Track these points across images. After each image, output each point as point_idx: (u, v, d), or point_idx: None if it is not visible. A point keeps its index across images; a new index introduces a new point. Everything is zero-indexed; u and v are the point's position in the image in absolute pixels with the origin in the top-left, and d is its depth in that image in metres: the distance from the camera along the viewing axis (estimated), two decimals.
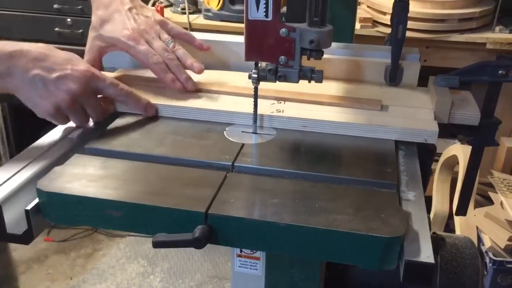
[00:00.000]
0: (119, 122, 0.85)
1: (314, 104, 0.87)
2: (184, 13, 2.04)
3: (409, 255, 0.57)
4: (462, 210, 1.00)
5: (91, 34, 0.93)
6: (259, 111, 0.82)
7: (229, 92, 0.91)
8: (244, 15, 0.72)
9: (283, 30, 0.72)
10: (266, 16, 0.72)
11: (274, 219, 0.61)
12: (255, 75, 0.76)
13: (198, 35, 1.01)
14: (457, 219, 1.93)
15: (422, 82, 0.97)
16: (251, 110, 0.81)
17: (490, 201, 1.85)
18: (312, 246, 0.61)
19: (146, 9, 0.96)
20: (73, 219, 0.66)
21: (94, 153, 0.75)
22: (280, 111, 0.84)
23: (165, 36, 0.93)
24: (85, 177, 0.68)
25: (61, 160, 0.75)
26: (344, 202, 0.65)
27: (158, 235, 0.61)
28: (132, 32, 0.89)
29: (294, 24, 0.73)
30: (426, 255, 0.57)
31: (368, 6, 1.99)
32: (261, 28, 0.73)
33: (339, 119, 0.82)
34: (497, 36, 1.88)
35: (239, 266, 0.86)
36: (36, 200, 0.66)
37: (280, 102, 0.87)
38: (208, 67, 1.00)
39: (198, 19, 2.06)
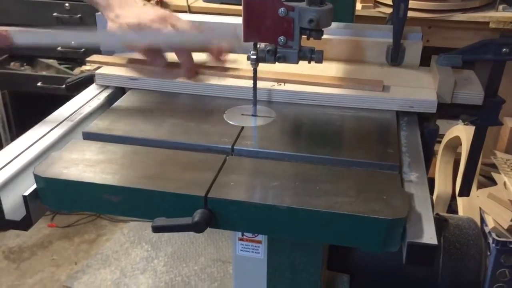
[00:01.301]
0: (116, 106, 0.84)
1: (314, 86, 0.86)
2: None
3: (411, 237, 0.56)
4: (465, 191, 0.99)
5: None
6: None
7: (230, 75, 0.90)
8: None
9: (282, 9, 0.71)
10: None
11: (274, 202, 0.60)
12: (254, 56, 0.75)
13: (199, 17, 1.00)
14: (460, 200, 1.92)
15: (425, 62, 0.95)
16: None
17: (493, 182, 1.84)
18: (313, 229, 0.60)
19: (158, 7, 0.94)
20: (71, 204, 0.66)
21: (92, 138, 0.74)
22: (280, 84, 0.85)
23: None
24: (83, 162, 0.67)
25: (59, 145, 0.74)
26: (346, 184, 0.64)
27: (157, 219, 0.60)
28: (155, 16, 0.87)
29: (293, 3, 0.71)
30: (429, 236, 0.56)
31: None
32: (259, 7, 0.71)
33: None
34: (500, 15, 1.85)
35: (241, 250, 0.85)
36: (34, 186, 0.66)
37: (280, 84, 0.86)
38: None
39: (197, 2, 2.03)
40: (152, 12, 0.88)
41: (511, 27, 1.83)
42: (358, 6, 1.86)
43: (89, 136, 0.75)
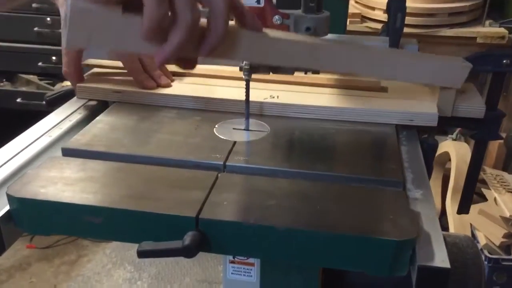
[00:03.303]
0: (99, 120, 0.79)
1: (309, 86, 0.83)
2: None
3: (422, 260, 0.52)
4: (464, 208, 0.95)
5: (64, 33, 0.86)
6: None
7: (217, 76, 0.86)
8: None
9: (277, 17, 0.67)
10: (258, 2, 0.66)
11: (271, 223, 0.56)
12: (247, 67, 0.71)
13: None
14: (450, 217, 1.90)
15: None
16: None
17: (483, 198, 1.82)
18: (314, 252, 0.56)
19: None
20: (49, 227, 0.60)
21: (71, 154, 0.69)
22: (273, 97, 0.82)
23: None
24: (61, 181, 0.61)
25: (36, 163, 0.68)
26: (348, 202, 0.60)
27: (143, 243, 0.55)
28: None
29: (288, 11, 0.67)
30: (441, 259, 0.52)
31: (356, 2, 1.96)
32: None
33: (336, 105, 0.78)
34: (487, 30, 1.86)
35: (232, 273, 0.80)
36: (7, 207, 0.60)
37: (273, 97, 0.82)
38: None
39: None
40: None
41: (498, 42, 1.83)
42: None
43: (68, 153, 0.69)
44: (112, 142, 0.72)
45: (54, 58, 2.11)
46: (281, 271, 0.78)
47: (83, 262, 2.21)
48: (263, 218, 0.57)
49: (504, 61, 0.79)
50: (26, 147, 0.71)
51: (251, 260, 0.78)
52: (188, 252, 0.53)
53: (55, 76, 2.16)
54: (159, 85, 0.86)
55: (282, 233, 0.55)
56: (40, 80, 2.21)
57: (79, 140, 0.72)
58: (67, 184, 0.61)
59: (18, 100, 2.13)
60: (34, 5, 2.06)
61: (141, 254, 0.54)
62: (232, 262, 0.79)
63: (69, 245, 2.29)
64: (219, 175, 0.65)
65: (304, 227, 0.55)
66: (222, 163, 0.67)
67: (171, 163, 0.68)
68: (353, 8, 1.94)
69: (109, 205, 0.58)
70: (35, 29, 2.09)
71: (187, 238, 0.54)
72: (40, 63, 2.12)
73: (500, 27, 1.87)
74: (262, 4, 0.66)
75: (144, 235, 0.57)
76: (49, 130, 0.76)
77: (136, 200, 0.59)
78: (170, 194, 0.61)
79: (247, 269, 0.79)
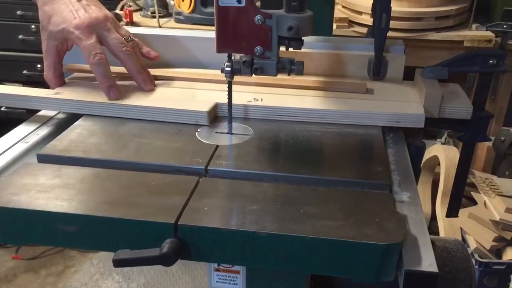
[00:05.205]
0: (77, 126, 0.76)
1: (294, 89, 0.82)
2: (154, 17, 1.97)
3: (409, 264, 0.50)
4: (453, 211, 0.94)
5: (43, 36, 0.83)
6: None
7: (203, 79, 0.85)
8: (215, 1, 0.65)
9: (258, 17, 0.65)
10: (239, 1, 0.64)
11: (254, 228, 0.54)
12: (229, 69, 0.69)
13: (167, 31, 0.95)
14: (440, 221, 1.89)
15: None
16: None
17: (472, 202, 1.81)
18: (299, 258, 0.54)
19: (98, 4, 0.86)
20: (22, 236, 0.57)
21: (47, 161, 0.67)
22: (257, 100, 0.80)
23: (123, 31, 0.86)
24: (35, 188, 0.59)
25: (11, 170, 0.66)
26: (333, 206, 0.58)
27: (120, 252, 0.52)
28: (81, 21, 0.79)
29: (270, 10, 0.66)
30: (428, 263, 0.51)
31: (344, 6, 1.95)
32: (234, 15, 0.66)
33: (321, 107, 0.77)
34: (474, 33, 1.86)
35: (217, 281, 0.78)
36: None
37: (257, 100, 0.80)
38: (178, 64, 0.93)
39: (169, 23, 1.99)
40: (80, 14, 0.80)
41: (485, 46, 1.83)
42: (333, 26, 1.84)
43: (44, 159, 0.67)
44: (90, 147, 0.70)
45: (39, 66, 2.09)
46: (267, 279, 0.76)
47: (70, 273, 2.17)
48: (245, 223, 0.55)
49: (491, 61, 0.79)
50: (1, 154, 0.69)
51: (236, 267, 0.76)
52: (166, 260, 0.51)
53: (40, 84, 2.12)
54: (142, 89, 0.84)
55: (265, 239, 0.53)
56: None
57: (56, 145, 0.70)
58: (41, 191, 0.59)
59: (3, 108, 2.10)
60: (18, 12, 2.04)
61: (117, 263, 0.52)
62: (217, 270, 0.77)
63: (56, 256, 2.25)
64: (200, 179, 0.63)
65: (288, 232, 0.53)
66: (203, 167, 0.65)
67: (151, 168, 0.66)
68: (340, 13, 1.93)
69: (84, 212, 0.56)
70: (20, 36, 2.06)
71: (165, 246, 0.52)
72: (25, 71, 2.10)
73: (486, 30, 1.87)
74: (243, 4, 0.65)
75: (121, 243, 0.55)
76: (25, 136, 0.74)
77: (112, 207, 0.57)
78: (148, 200, 0.58)
79: (232, 277, 0.77)
